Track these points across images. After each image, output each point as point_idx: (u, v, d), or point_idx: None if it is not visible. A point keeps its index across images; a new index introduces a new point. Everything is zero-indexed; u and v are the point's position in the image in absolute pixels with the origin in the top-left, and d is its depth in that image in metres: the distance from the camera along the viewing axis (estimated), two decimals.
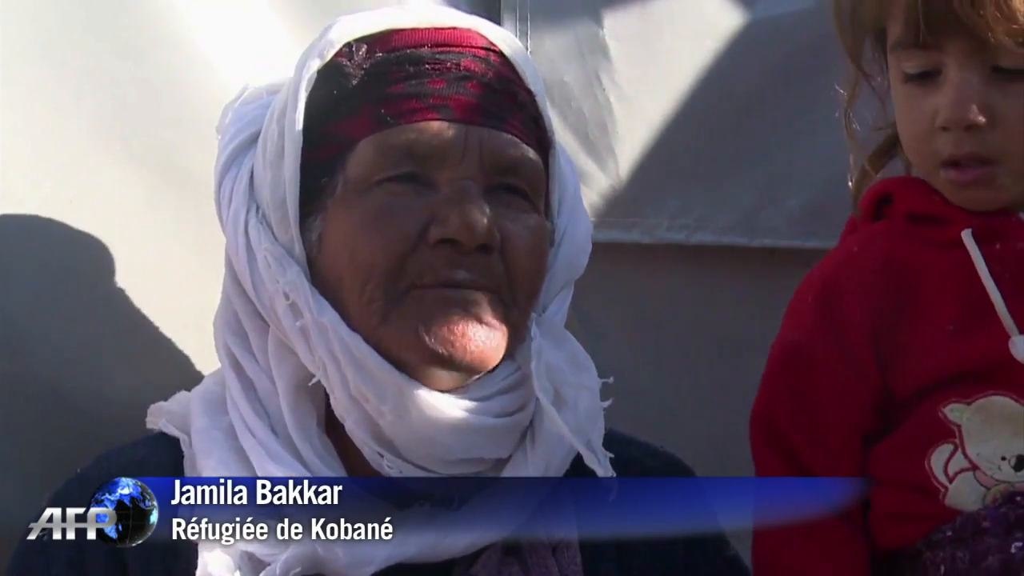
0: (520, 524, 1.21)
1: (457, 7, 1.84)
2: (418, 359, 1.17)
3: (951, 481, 1.29)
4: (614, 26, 1.98)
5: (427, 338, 1.15)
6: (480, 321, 1.17)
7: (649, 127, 1.98)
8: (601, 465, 1.20)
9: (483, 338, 1.17)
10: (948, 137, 1.29)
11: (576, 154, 1.96)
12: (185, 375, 1.55)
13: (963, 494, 1.28)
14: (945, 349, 1.31)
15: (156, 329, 1.57)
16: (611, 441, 1.31)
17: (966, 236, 1.31)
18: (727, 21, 2.00)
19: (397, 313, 1.16)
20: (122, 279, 1.55)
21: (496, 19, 1.91)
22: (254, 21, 1.72)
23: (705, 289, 2.06)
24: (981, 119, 1.26)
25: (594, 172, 1.96)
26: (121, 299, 1.54)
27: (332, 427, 1.22)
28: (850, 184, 1.51)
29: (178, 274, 1.58)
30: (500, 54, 1.25)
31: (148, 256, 1.57)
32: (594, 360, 2.01)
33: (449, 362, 1.17)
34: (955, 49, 1.26)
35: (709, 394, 2.08)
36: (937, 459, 1.29)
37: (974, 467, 1.28)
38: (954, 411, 1.30)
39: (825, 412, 1.36)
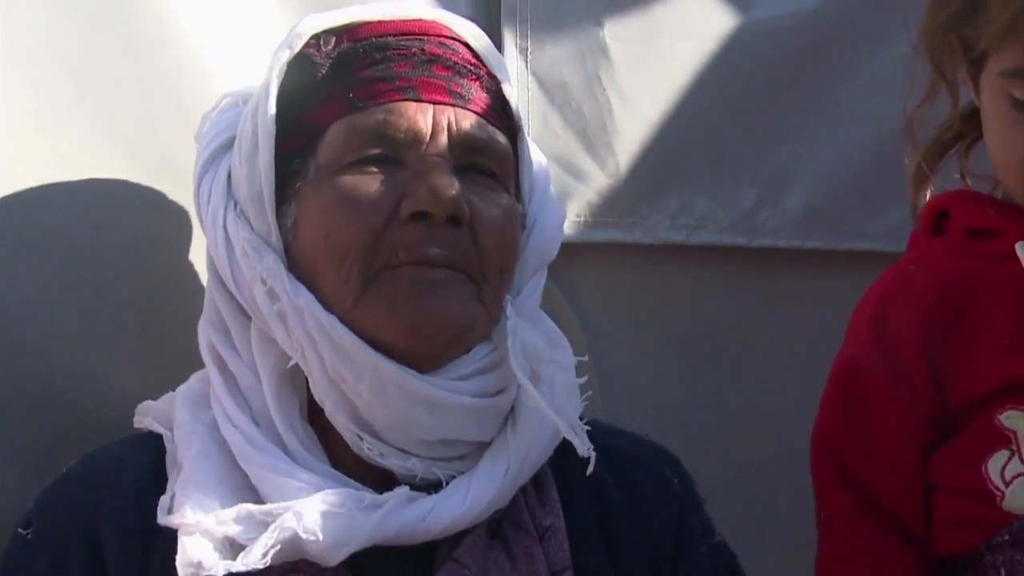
0: (503, 510, 1.22)
1: (456, 9, 1.84)
2: (393, 337, 1.18)
3: (1008, 485, 1.29)
4: (614, 28, 1.98)
5: (401, 315, 1.17)
6: (453, 297, 1.18)
7: (649, 127, 1.99)
8: (579, 438, 1.21)
9: (455, 313, 1.18)
10: None
11: (576, 154, 1.96)
12: (184, 375, 1.55)
13: (1020, 498, 1.29)
14: (999, 362, 1.31)
15: (156, 329, 1.57)
16: (597, 431, 1.31)
17: (1019, 247, 1.31)
18: (727, 23, 2.00)
19: (372, 292, 1.18)
20: (121, 279, 1.55)
21: (496, 21, 1.92)
22: (254, 22, 1.72)
23: (705, 289, 2.06)
24: None
25: (594, 172, 1.97)
26: (120, 299, 1.54)
27: (314, 416, 1.23)
28: (908, 190, 1.50)
29: (177, 274, 1.58)
30: (465, 45, 1.27)
31: (148, 256, 1.58)
32: (594, 358, 2.02)
33: (423, 338, 1.18)
34: None
35: (708, 393, 2.08)
36: (994, 464, 1.30)
37: None
38: (1010, 417, 1.30)
39: (881, 430, 1.37)
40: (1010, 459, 1.30)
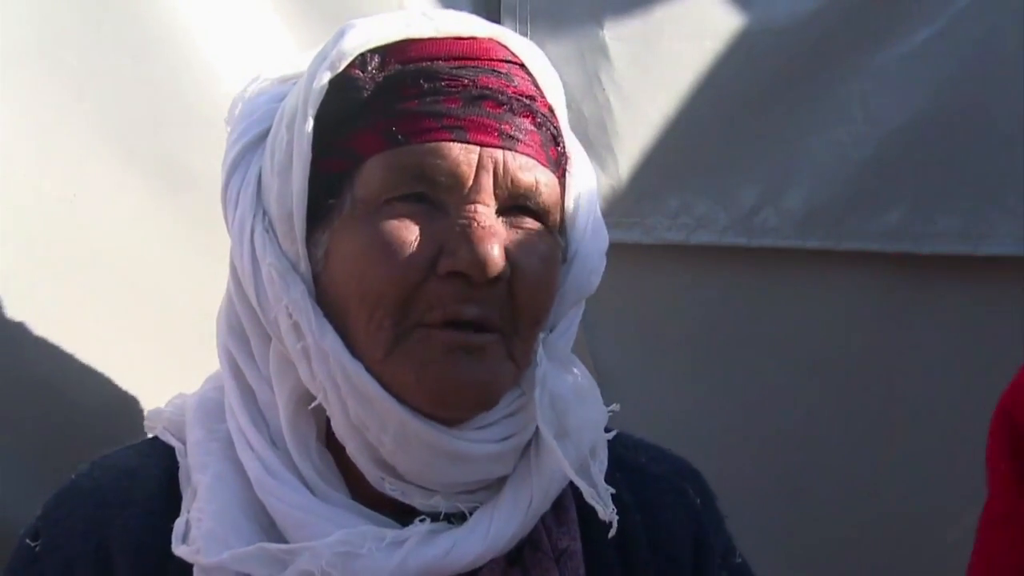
0: (524, 536, 1.19)
1: (456, 7, 1.84)
2: (418, 402, 1.14)
3: None
4: (614, 27, 1.98)
5: (427, 383, 1.12)
6: (482, 365, 1.14)
7: (649, 127, 1.99)
8: (602, 501, 1.17)
9: (484, 382, 1.14)
10: None
11: None
12: (184, 376, 1.54)
13: None
14: None
15: (156, 329, 1.56)
16: (619, 445, 1.29)
17: None
18: (727, 23, 2.00)
19: (401, 350, 1.12)
20: (122, 279, 1.54)
21: (496, 20, 1.91)
22: (255, 21, 1.72)
23: (705, 289, 2.07)
24: None
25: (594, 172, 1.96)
26: (121, 299, 1.54)
27: (333, 440, 1.17)
28: None
29: (178, 274, 1.58)
30: (521, 66, 1.18)
31: (148, 256, 1.57)
32: (594, 358, 2.03)
33: (448, 407, 1.14)
34: None
35: (709, 393, 2.08)
36: None
37: None
38: None
39: None
40: None
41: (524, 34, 1.92)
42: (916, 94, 2.05)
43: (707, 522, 1.31)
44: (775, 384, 2.10)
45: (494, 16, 1.92)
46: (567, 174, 1.23)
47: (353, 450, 1.15)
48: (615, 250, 1.98)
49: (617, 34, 1.97)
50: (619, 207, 1.99)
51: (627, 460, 1.29)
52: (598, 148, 1.97)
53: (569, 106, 1.94)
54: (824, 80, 2.04)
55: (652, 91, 1.98)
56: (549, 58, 1.97)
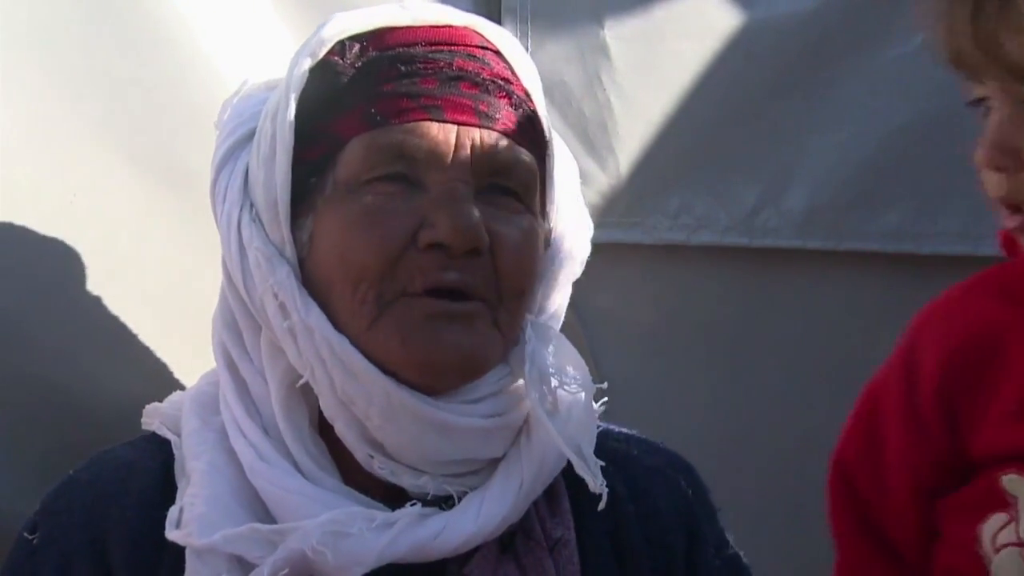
0: (515, 523, 1.20)
1: (456, 6, 1.84)
2: (404, 371, 1.15)
3: (996, 552, 1.24)
4: (615, 27, 1.98)
5: (413, 351, 1.14)
6: (467, 331, 1.15)
7: (649, 127, 1.99)
8: (591, 473, 1.18)
9: (469, 348, 1.15)
10: (986, 176, 1.17)
11: (576, 154, 1.93)
12: (182, 374, 1.55)
13: (1005, 568, 1.23)
14: (1008, 427, 1.25)
15: (154, 328, 1.56)
16: (611, 438, 1.31)
17: None
18: (728, 22, 2.00)
19: (386, 318, 1.14)
20: (121, 278, 1.54)
21: (496, 20, 1.92)
22: (255, 22, 1.72)
23: (705, 289, 2.07)
24: (1001, 163, 1.14)
25: (594, 172, 1.97)
26: (120, 298, 1.54)
27: (325, 427, 1.19)
28: None
29: (177, 273, 1.58)
30: (497, 53, 1.23)
31: (147, 255, 1.57)
32: (594, 359, 2.03)
33: (435, 375, 1.16)
34: (992, 85, 1.15)
35: (708, 393, 2.08)
36: (988, 528, 1.25)
37: (1022, 543, 1.23)
38: (1012, 482, 1.24)
39: (890, 466, 1.33)
40: (1005, 525, 1.24)
41: (524, 34, 1.93)
42: (916, 94, 2.05)
43: (700, 513, 1.32)
44: (776, 384, 2.10)
45: (495, 16, 1.92)
46: (547, 158, 1.26)
47: (342, 427, 1.17)
48: (616, 250, 2.02)
49: (617, 34, 1.97)
50: (619, 207, 1.99)
51: (619, 453, 1.30)
52: (598, 148, 1.97)
53: (569, 105, 1.97)
54: (824, 80, 2.04)
55: (652, 91, 1.99)
56: (549, 58, 1.99)
